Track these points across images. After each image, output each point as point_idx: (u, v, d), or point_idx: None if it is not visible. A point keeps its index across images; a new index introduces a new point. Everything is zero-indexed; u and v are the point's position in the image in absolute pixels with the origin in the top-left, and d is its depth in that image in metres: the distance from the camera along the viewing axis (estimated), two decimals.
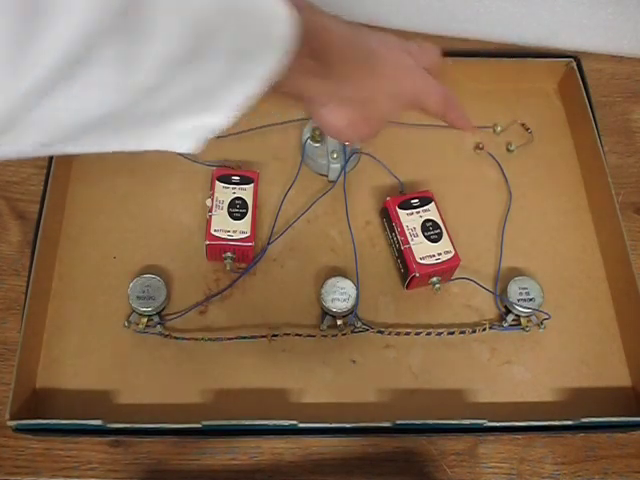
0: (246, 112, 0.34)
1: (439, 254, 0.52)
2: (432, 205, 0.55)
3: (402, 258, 0.53)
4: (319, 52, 0.39)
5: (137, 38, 0.28)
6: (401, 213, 0.54)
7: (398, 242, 0.53)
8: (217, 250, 0.53)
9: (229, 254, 0.53)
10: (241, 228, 0.53)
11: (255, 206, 0.54)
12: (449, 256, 0.52)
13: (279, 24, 0.34)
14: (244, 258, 0.54)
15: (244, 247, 0.53)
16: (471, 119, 0.63)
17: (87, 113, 0.29)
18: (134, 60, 0.29)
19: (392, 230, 0.54)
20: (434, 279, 0.52)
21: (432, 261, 0.52)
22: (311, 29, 0.37)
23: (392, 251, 0.56)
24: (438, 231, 0.53)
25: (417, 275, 0.51)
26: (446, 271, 0.53)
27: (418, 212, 0.54)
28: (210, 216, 0.53)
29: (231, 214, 0.53)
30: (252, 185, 0.55)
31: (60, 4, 0.25)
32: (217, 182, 0.55)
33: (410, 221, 0.54)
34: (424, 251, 0.52)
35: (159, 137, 0.35)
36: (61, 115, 0.29)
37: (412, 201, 0.55)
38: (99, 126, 0.31)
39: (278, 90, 0.36)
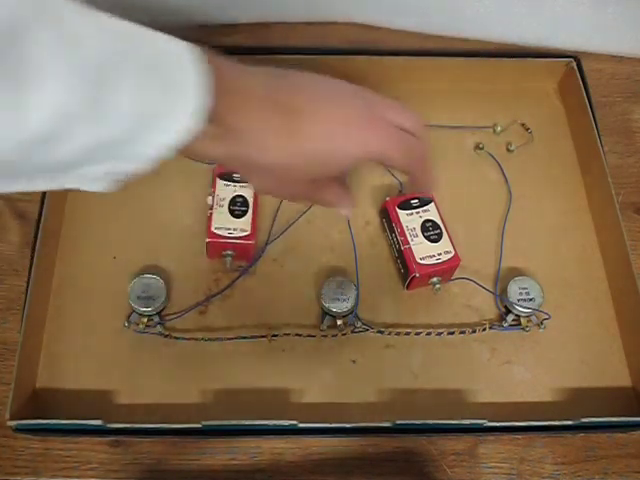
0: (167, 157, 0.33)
1: (439, 254, 0.52)
2: (432, 205, 0.54)
3: (402, 258, 0.53)
4: (224, 115, 0.35)
5: (22, 85, 0.26)
6: (401, 213, 0.54)
7: (398, 242, 0.53)
8: (217, 248, 0.53)
9: (229, 252, 0.53)
10: (242, 226, 0.53)
11: (256, 204, 0.54)
12: (449, 256, 0.52)
13: (188, 74, 0.32)
14: (245, 256, 0.54)
15: (245, 245, 0.53)
16: (471, 119, 0.63)
17: None
18: (22, 109, 0.27)
19: (392, 230, 0.54)
20: (434, 279, 0.52)
21: (432, 261, 0.52)
22: (223, 87, 0.34)
23: (392, 251, 0.56)
24: (438, 231, 0.53)
25: (417, 275, 0.51)
26: (446, 271, 0.53)
27: (418, 212, 0.54)
28: (211, 213, 0.53)
29: (232, 212, 0.53)
30: None
31: None
32: (218, 179, 0.55)
33: (410, 221, 0.54)
34: (424, 251, 0.52)
35: (68, 180, 0.33)
36: None
37: (412, 201, 0.55)
38: None
39: (181, 152, 0.34)
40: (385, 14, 0.69)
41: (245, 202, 0.54)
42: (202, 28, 0.69)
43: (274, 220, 0.57)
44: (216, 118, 0.34)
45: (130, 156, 0.33)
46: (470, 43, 0.70)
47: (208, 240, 0.52)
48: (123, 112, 0.30)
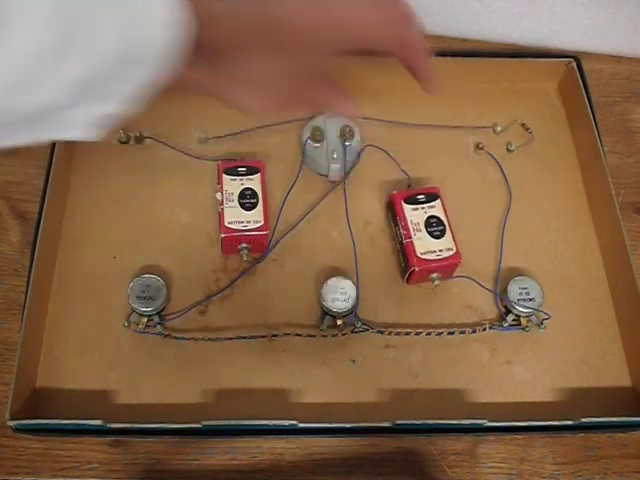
0: (149, 99, 0.33)
1: (440, 250, 0.52)
2: (438, 202, 0.55)
3: (403, 252, 0.53)
4: (203, 42, 0.35)
5: (3, 26, 0.26)
6: (406, 207, 0.54)
7: (401, 236, 0.54)
8: (233, 242, 0.53)
9: (244, 245, 0.53)
10: (254, 218, 0.53)
11: (265, 195, 0.54)
12: (450, 253, 0.52)
13: (164, 15, 0.32)
14: (259, 247, 0.54)
15: (259, 236, 0.53)
16: (471, 119, 0.63)
17: None
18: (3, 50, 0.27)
19: (396, 224, 0.55)
20: (434, 275, 0.52)
21: (433, 257, 0.52)
22: (197, 17, 0.34)
23: (395, 245, 0.56)
24: (442, 228, 0.53)
25: (416, 269, 0.52)
26: (446, 268, 0.53)
27: (423, 208, 0.54)
28: (222, 209, 0.53)
29: (242, 205, 0.53)
30: (259, 175, 0.55)
31: None
32: (224, 175, 0.55)
33: (414, 216, 0.54)
34: (426, 246, 0.52)
35: (53, 129, 0.33)
36: None
37: (418, 196, 0.55)
38: None
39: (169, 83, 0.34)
40: None
41: (254, 194, 0.54)
42: None
43: (277, 221, 0.56)
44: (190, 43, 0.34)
45: (108, 96, 0.32)
46: (470, 43, 0.70)
47: (223, 236, 0.52)
48: (103, 48, 0.30)
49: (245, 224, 0.53)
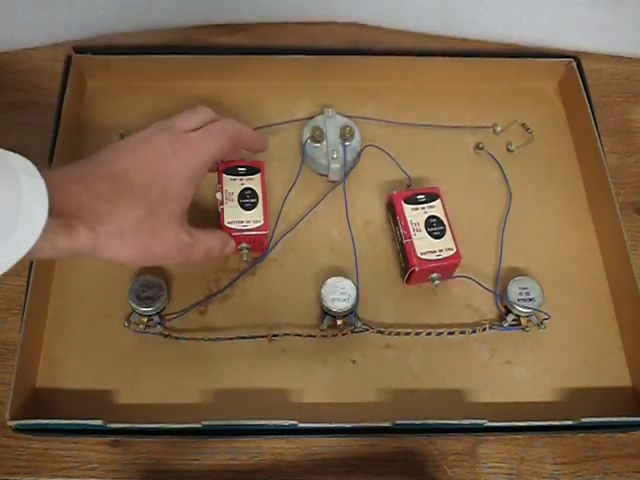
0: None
1: (440, 250, 0.52)
2: (438, 202, 0.55)
3: (404, 252, 0.53)
4: (61, 210, 0.38)
5: None
6: (406, 207, 0.54)
7: (401, 236, 0.54)
8: None
9: (244, 245, 0.53)
10: (254, 217, 0.53)
11: (265, 194, 0.54)
12: (450, 253, 0.52)
13: (30, 200, 0.35)
14: (259, 247, 0.54)
15: (259, 236, 0.53)
16: (471, 119, 0.63)
17: None
18: None
19: (396, 224, 0.55)
20: (434, 275, 0.52)
21: (433, 257, 0.52)
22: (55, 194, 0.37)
23: (395, 245, 0.56)
24: (442, 228, 0.53)
25: (416, 269, 0.52)
26: (446, 268, 0.53)
27: (423, 208, 0.54)
28: (222, 209, 0.53)
29: (242, 205, 0.53)
30: (259, 175, 0.55)
31: None
32: (224, 175, 0.55)
33: (414, 216, 0.54)
34: (426, 246, 0.52)
35: None
36: None
37: (418, 196, 0.55)
38: None
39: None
40: (385, 14, 0.69)
41: (254, 194, 0.54)
42: (202, 28, 0.69)
43: (277, 221, 0.56)
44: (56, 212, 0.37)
45: None
46: (470, 43, 0.70)
47: None
48: None
49: (245, 224, 0.53)
